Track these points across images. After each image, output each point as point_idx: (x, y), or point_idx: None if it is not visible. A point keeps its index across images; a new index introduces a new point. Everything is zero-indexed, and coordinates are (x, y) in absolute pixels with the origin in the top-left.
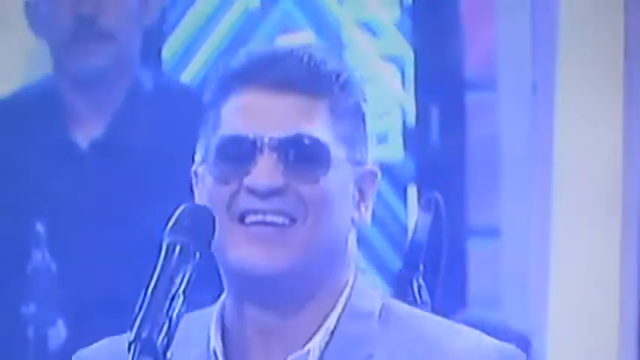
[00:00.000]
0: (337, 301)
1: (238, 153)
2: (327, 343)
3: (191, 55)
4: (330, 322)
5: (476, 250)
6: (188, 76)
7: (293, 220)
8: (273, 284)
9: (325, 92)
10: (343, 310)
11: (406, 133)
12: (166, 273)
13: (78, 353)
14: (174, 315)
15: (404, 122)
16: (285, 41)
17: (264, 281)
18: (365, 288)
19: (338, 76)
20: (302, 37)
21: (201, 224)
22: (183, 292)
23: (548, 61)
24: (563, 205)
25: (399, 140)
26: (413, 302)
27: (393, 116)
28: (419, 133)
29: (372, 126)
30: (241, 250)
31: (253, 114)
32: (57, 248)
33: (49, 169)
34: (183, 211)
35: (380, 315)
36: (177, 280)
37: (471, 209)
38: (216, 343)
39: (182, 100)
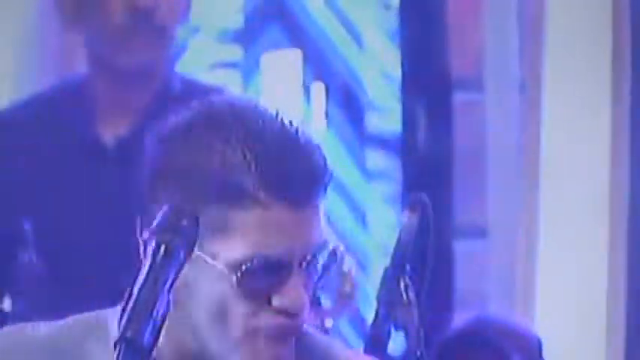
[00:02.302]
0: None
1: (271, 272)
2: None
3: None
4: None
5: (463, 251)
6: None
7: None
8: None
9: (323, 198)
10: None
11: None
12: (152, 272)
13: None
14: (159, 314)
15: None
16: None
17: None
18: None
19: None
20: (291, 55)
21: (187, 224)
22: (168, 291)
23: (536, 61)
24: (550, 206)
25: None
26: (399, 301)
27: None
28: (405, 134)
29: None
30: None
31: (283, 232)
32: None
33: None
34: (168, 210)
35: None
36: (162, 280)
37: (458, 210)
38: None
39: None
